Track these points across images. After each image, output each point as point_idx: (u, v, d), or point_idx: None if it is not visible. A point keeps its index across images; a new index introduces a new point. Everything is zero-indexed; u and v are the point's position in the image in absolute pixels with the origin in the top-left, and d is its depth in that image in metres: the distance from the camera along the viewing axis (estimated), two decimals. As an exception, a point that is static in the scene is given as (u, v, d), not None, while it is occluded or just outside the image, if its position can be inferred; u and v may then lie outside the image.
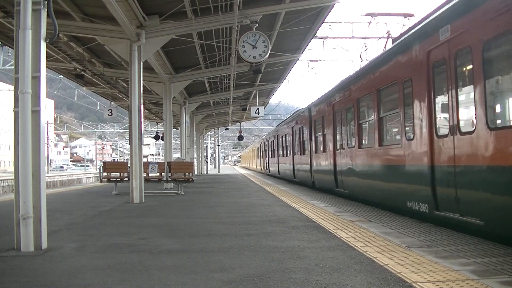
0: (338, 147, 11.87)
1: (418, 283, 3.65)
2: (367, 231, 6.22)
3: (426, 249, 4.96)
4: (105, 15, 10.87)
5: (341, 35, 18.37)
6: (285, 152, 22.23)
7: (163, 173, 14.06)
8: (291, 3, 11.89)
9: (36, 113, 5.35)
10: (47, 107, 30.62)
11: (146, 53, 11.88)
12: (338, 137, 11.97)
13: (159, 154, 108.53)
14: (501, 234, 5.13)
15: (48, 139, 60.55)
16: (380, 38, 17.36)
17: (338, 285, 3.69)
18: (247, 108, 28.16)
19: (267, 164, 31.36)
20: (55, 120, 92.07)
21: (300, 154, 17.70)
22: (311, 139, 15.47)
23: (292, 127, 19.63)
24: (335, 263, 4.43)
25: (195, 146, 32.71)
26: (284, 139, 22.59)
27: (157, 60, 15.32)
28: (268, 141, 30.83)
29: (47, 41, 5.66)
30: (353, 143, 10.51)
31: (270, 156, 29.51)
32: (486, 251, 4.76)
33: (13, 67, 6.46)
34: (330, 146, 12.67)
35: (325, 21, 13.90)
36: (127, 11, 10.60)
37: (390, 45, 9.95)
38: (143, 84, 12.29)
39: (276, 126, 29.31)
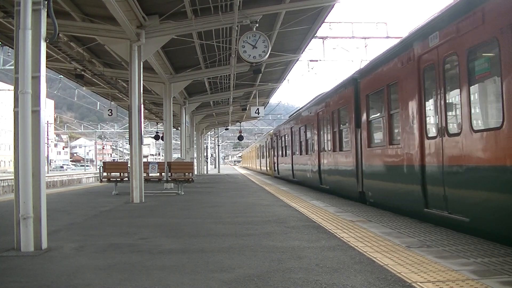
0: (433, 133, 6.75)
1: (418, 283, 3.65)
2: (367, 231, 6.21)
3: (426, 249, 4.95)
4: (105, 15, 10.87)
5: (341, 35, 18.30)
6: (305, 148, 16.75)
7: (163, 173, 14.07)
8: (291, 3, 11.89)
9: (36, 113, 5.34)
10: (47, 107, 30.61)
11: (146, 53, 11.88)
12: (431, 115, 6.89)
13: (159, 154, 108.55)
14: None
15: (48, 139, 60.57)
16: (380, 38, 17.43)
17: (338, 285, 3.68)
18: (247, 108, 28.17)
19: (275, 165, 25.85)
20: (55, 120, 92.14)
21: (334, 151, 12.33)
22: (358, 126, 10.18)
23: (318, 114, 14.38)
24: (335, 263, 4.43)
25: (195, 146, 32.71)
26: (302, 132, 17.25)
27: (157, 60, 15.33)
28: (277, 136, 24.98)
29: (47, 41, 5.66)
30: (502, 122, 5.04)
31: (280, 154, 24.08)
32: (486, 251, 4.76)
33: (13, 67, 6.46)
34: (412, 132, 7.36)
35: (325, 21, 13.90)
36: (127, 11, 10.60)
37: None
38: (143, 84, 12.30)
39: (289, 117, 22.87)
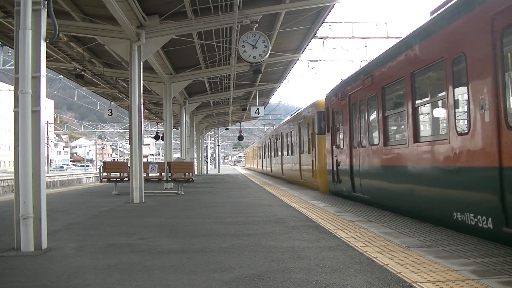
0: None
1: (418, 283, 3.65)
2: (367, 231, 6.21)
3: (426, 249, 4.96)
4: (105, 15, 10.87)
5: (341, 35, 18.31)
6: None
7: (163, 173, 14.06)
8: (291, 3, 11.89)
9: (36, 113, 5.34)
10: (47, 107, 30.60)
11: (146, 53, 11.88)
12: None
13: (159, 154, 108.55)
14: None
15: (48, 139, 60.59)
16: (380, 38, 17.42)
17: (338, 285, 3.68)
18: (247, 108, 28.18)
19: (338, 167, 11.65)
20: (55, 120, 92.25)
21: None
22: None
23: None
24: (335, 263, 4.43)
25: (195, 146, 32.71)
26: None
27: (157, 60, 15.33)
28: (351, 103, 10.49)
29: (47, 41, 5.65)
30: None
31: (375, 142, 9.03)
32: (486, 251, 4.76)
33: (13, 67, 6.46)
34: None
35: (325, 21, 13.92)
36: (127, 11, 10.61)
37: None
38: (143, 84, 12.30)
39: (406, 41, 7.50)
